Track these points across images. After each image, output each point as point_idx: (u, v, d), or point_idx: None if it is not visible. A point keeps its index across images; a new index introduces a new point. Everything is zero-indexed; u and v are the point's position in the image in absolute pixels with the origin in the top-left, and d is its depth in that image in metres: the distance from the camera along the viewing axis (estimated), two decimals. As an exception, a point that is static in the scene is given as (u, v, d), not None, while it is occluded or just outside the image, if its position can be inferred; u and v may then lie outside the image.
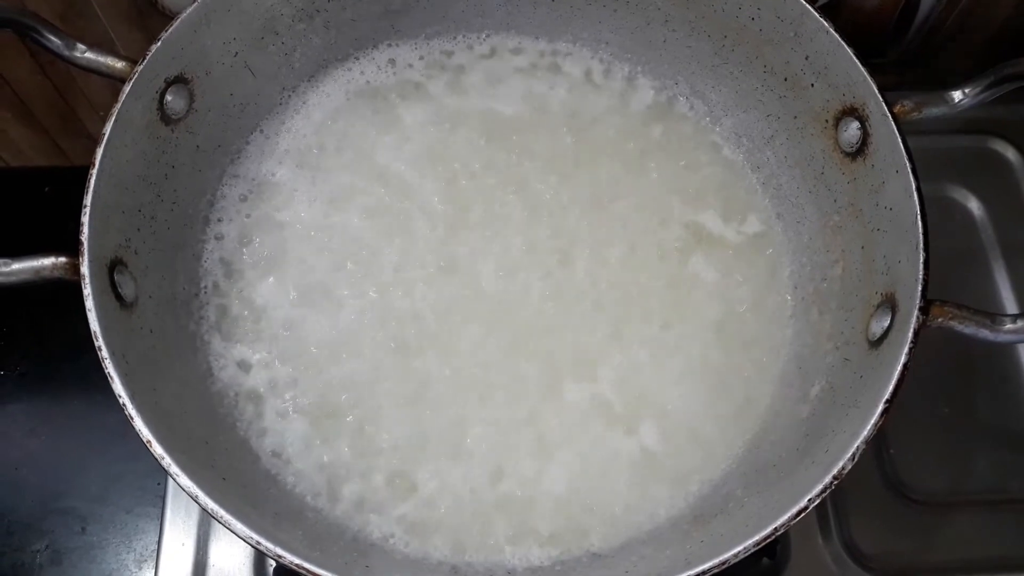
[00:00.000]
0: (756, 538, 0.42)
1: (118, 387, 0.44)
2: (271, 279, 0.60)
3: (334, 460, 0.55)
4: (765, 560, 0.63)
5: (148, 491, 0.68)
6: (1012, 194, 0.77)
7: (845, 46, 0.54)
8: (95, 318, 0.45)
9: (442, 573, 0.52)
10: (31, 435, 0.72)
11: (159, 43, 0.52)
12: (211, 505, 0.42)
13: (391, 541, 0.53)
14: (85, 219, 0.47)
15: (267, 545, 0.42)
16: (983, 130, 0.79)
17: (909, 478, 0.67)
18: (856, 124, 0.55)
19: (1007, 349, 0.72)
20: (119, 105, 0.50)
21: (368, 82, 0.66)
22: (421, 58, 0.67)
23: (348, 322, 0.59)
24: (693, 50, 0.64)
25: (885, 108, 0.52)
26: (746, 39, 0.60)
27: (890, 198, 0.52)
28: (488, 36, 0.68)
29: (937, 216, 0.74)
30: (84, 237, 0.47)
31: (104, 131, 0.49)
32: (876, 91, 0.52)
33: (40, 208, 0.81)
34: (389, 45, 0.67)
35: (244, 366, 0.57)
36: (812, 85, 0.57)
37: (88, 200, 0.48)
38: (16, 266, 0.47)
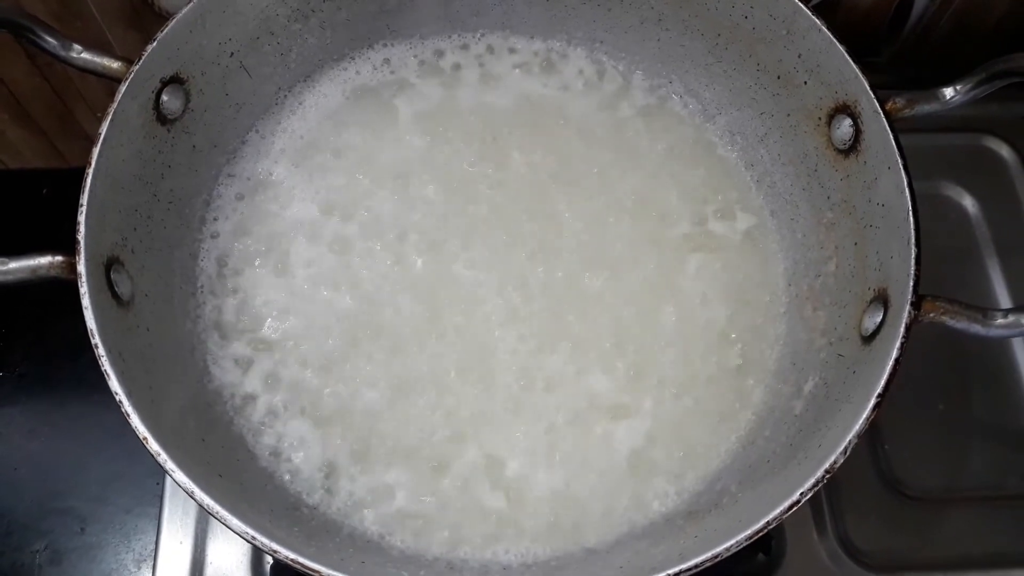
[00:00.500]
0: (748, 532, 0.43)
1: (114, 384, 0.44)
2: (267, 278, 0.60)
3: (330, 457, 0.56)
4: (760, 556, 0.63)
5: (147, 491, 0.69)
6: (1006, 191, 0.77)
7: (837, 44, 0.54)
8: (91, 316, 0.46)
9: (438, 569, 0.52)
10: (30, 436, 0.72)
11: (155, 43, 0.53)
12: (207, 501, 0.43)
13: (387, 538, 0.53)
14: (81, 218, 0.48)
15: (262, 540, 0.42)
16: (977, 128, 0.79)
17: (904, 474, 0.67)
18: (848, 121, 0.55)
19: (1002, 346, 0.72)
20: (115, 105, 0.50)
21: (364, 82, 0.66)
22: (416, 57, 0.67)
23: (345, 320, 0.59)
24: (687, 49, 0.64)
25: (877, 105, 0.52)
26: (739, 37, 0.60)
27: (882, 194, 0.52)
28: (483, 35, 0.68)
29: (931, 214, 0.76)
30: (80, 236, 0.47)
31: (100, 131, 0.50)
32: (868, 88, 0.53)
33: (38, 209, 0.81)
34: (384, 45, 0.67)
35: (240, 364, 0.58)
36: (805, 83, 0.58)
37: (84, 199, 0.48)
38: (13, 265, 0.47)
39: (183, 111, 0.56)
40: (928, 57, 0.81)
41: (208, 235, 0.61)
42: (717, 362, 0.59)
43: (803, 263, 0.61)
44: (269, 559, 0.63)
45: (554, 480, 0.55)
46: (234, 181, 0.62)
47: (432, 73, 0.67)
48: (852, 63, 0.53)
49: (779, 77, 0.59)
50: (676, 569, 0.42)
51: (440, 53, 0.67)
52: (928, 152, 0.77)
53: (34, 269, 0.47)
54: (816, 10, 0.55)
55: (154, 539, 0.64)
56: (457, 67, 0.67)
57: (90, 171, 0.49)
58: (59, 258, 0.47)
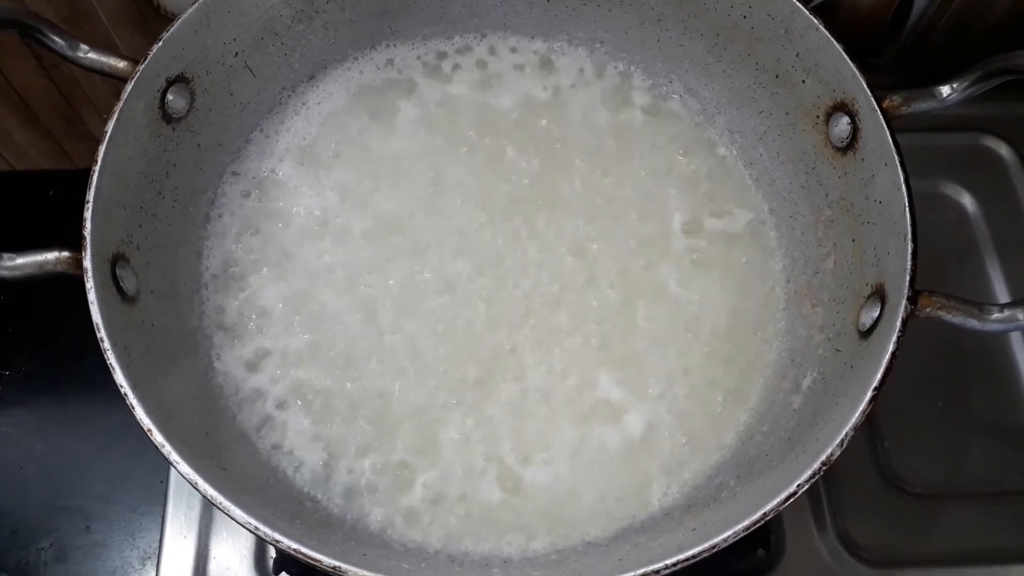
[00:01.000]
0: (746, 523, 0.43)
1: (119, 377, 0.45)
2: (271, 275, 0.61)
3: (333, 452, 0.56)
4: (760, 552, 0.63)
5: (152, 490, 0.69)
6: (1005, 190, 0.78)
7: (834, 42, 0.54)
8: (97, 311, 0.46)
9: (439, 562, 0.52)
10: (36, 435, 0.72)
11: (160, 43, 0.53)
12: (210, 492, 0.43)
13: (388, 531, 0.54)
14: (87, 214, 0.48)
15: (265, 531, 0.43)
16: (976, 127, 0.79)
17: (904, 471, 0.67)
18: (846, 119, 0.55)
19: (1001, 343, 0.72)
20: (121, 103, 0.51)
21: (367, 82, 0.67)
22: (418, 58, 0.68)
23: (349, 317, 0.60)
24: (686, 48, 0.65)
25: (874, 103, 0.52)
26: (738, 37, 0.61)
27: (880, 191, 0.53)
28: (485, 36, 0.69)
29: (931, 212, 0.76)
30: (87, 232, 0.48)
31: (106, 129, 0.50)
32: (865, 86, 0.53)
33: (44, 210, 0.82)
34: (387, 45, 0.68)
35: (244, 361, 0.58)
36: (803, 81, 0.58)
37: (90, 196, 0.49)
38: (20, 260, 0.48)
39: (188, 110, 0.57)
40: (929, 57, 0.82)
41: (212, 233, 0.61)
42: (716, 358, 0.60)
43: (801, 260, 0.61)
44: (271, 555, 0.64)
45: (554, 474, 0.56)
46: (239, 180, 0.63)
47: (434, 73, 0.68)
48: (849, 61, 0.54)
49: (778, 76, 0.60)
50: (674, 559, 0.42)
51: (442, 54, 0.68)
52: (927, 151, 0.77)
53: (41, 264, 0.48)
54: (816, 11, 0.55)
55: (158, 537, 0.64)
56: (459, 67, 0.68)
57: (96, 168, 0.49)
58: (65, 254, 0.48)
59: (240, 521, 0.43)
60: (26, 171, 0.93)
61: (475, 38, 0.68)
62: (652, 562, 0.43)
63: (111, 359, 0.45)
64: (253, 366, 0.58)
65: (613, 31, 0.67)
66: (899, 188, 0.50)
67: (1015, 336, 0.72)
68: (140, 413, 0.44)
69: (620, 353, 0.59)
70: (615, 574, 0.42)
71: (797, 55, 0.57)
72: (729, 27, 0.61)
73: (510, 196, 0.64)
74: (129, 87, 0.52)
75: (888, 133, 0.51)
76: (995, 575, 0.64)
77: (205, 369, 0.57)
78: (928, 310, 0.48)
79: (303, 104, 0.66)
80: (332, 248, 0.62)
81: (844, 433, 0.45)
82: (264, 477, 0.54)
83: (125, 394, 0.45)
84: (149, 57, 0.53)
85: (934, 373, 0.70)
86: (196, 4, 0.55)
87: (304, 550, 0.42)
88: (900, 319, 0.47)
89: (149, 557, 0.68)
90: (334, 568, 0.42)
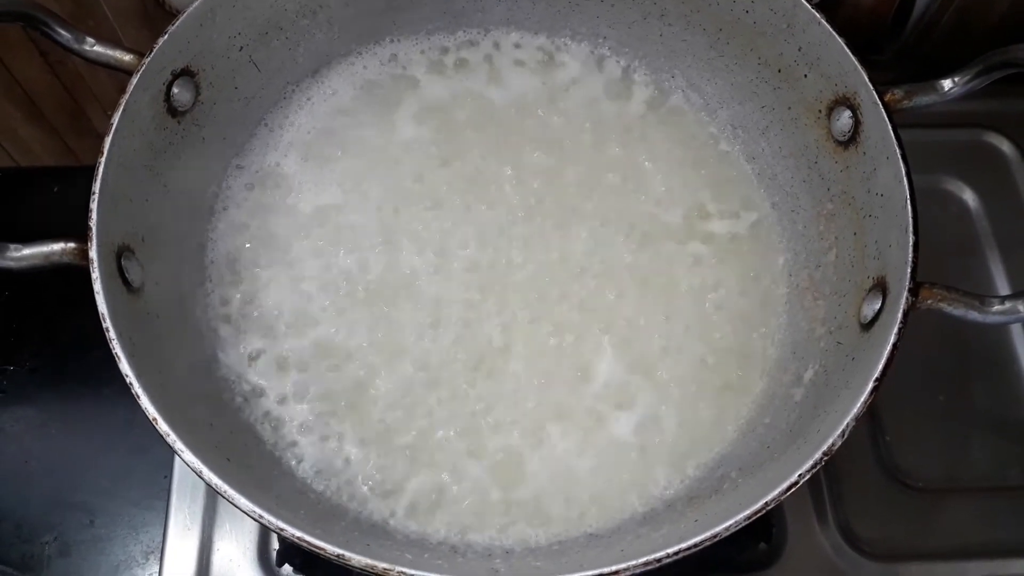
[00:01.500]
0: (747, 512, 0.43)
1: (125, 367, 0.45)
2: (275, 268, 0.61)
3: (336, 443, 0.56)
4: (762, 545, 0.64)
5: (155, 484, 0.69)
6: (1006, 186, 0.78)
7: (836, 37, 0.55)
8: (103, 301, 0.46)
9: (442, 553, 0.53)
10: (40, 430, 0.73)
11: (166, 36, 0.53)
12: (215, 480, 0.43)
13: (391, 522, 0.54)
14: (94, 205, 0.48)
15: (270, 519, 0.43)
16: (978, 123, 0.80)
17: (905, 465, 0.67)
18: (848, 113, 0.56)
19: (1003, 337, 0.72)
20: (127, 96, 0.51)
21: (371, 77, 0.67)
22: (422, 53, 0.68)
23: (353, 310, 0.60)
24: (689, 43, 0.65)
25: (876, 97, 0.53)
26: (740, 32, 0.61)
27: (881, 184, 0.53)
28: (488, 31, 0.69)
29: (933, 208, 0.76)
30: (92, 223, 0.48)
31: (112, 121, 0.50)
32: (867, 80, 0.53)
33: (49, 206, 0.82)
34: (391, 40, 0.68)
35: (248, 352, 0.58)
36: (805, 76, 0.58)
37: (96, 187, 0.49)
38: (27, 251, 0.48)
39: (193, 103, 0.57)
40: (931, 53, 0.82)
41: (217, 226, 0.61)
42: (718, 351, 0.60)
43: (804, 253, 0.61)
44: (275, 548, 0.64)
45: (556, 465, 0.56)
46: (243, 173, 0.63)
47: (438, 68, 0.68)
48: (851, 56, 0.54)
49: (780, 71, 0.60)
50: (675, 548, 0.42)
51: (446, 49, 0.68)
52: (929, 147, 0.77)
53: (47, 255, 0.48)
54: (818, 7, 0.56)
55: (161, 531, 0.65)
56: (463, 62, 0.68)
57: (102, 160, 0.49)
58: (72, 245, 0.48)
59: (245, 510, 0.43)
60: (31, 167, 0.94)
61: (479, 33, 0.69)
62: (653, 551, 0.43)
63: (116, 349, 0.45)
64: (257, 358, 0.58)
65: (616, 26, 0.67)
66: (900, 181, 0.50)
67: (1016, 330, 0.72)
68: (145, 402, 0.44)
69: (622, 346, 0.60)
70: (617, 564, 0.42)
71: (799, 49, 0.58)
72: (731, 22, 0.61)
73: (513, 192, 0.64)
74: (135, 80, 0.52)
75: (890, 127, 0.52)
76: (996, 569, 0.64)
77: (209, 361, 0.57)
78: (929, 302, 0.48)
79: (307, 98, 0.66)
80: (336, 241, 0.62)
81: (845, 424, 0.45)
82: (268, 468, 0.54)
83: (130, 383, 0.45)
84: (155, 50, 0.53)
85: (935, 368, 0.71)
86: (201, -2, 0.55)
87: (308, 538, 0.42)
88: (901, 311, 0.47)
89: (152, 551, 0.68)
90: (338, 556, 0.42)
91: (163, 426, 0.44)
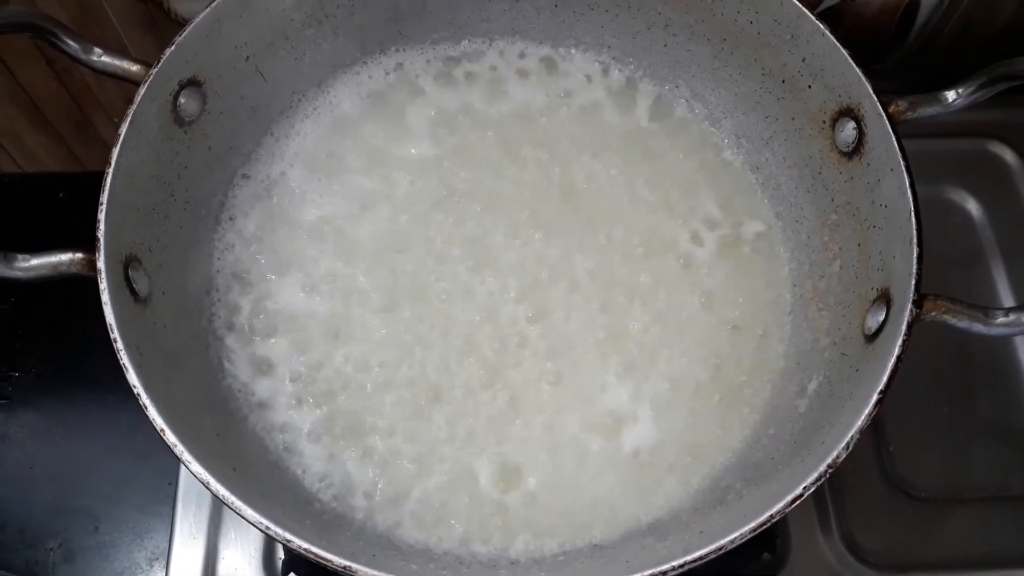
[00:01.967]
0: (752, 525, 0.43)
1: (132, 377, 0.45)
2: (282, 277, 0.61)
3: (342, 454, 0.56)
4: (766, 555, 0.64)
5: (160, 491, 0.69)
6: (1010, 195, 0.78)
7: (840, 48, 0.55)
8: (111, 311, 0.47)
9: (447, 563, 0.53)
10: (45, 436, 0.73)
11: (173, 47, 0.54)
12: (222, 491, 0.43)
13: (397, 532, 0.54)
14: (101, 216, 0.48)
15: (276, 530, 0.43)
16: (981, 132, 0.79)
17: (909, 475, 0.67)
18: (852, 124, 0.56)
19: (1007, 348, 0.72)
20: (134, 107, 0.51)
21: (376, 87, 0.67)
22: (428, 62, 0.68)
23: (359, 320, 0.60)
24: (693, 53, 0.65)
25: (880, 108, 0.53)
26: (744, 42, 0.61)
27: (885, 195, 0.53)
28: (493, 41, 0.69)
29: (936, 218, 0.76)
30: (100, 233, 0.48)
31: (120, 131, 0.51)
32: (871, 92, 0.53)
33: (55, 213, 0.82)
34: (396, 50, 0.68)
35: (255, 362, 0.59)
36: (809, 87, 0.58)
37: (104, 198, 0.49)
38: (35, 261, 0.48)
39: (200, 113, 0.58)
40: (934, 63, 0.82)
41: (223, 235, 0.62)
42: (723, 362, 0.60)
43: (808, 264, 0.61)
44: (280, 557, 0.64)
45: (561, 476, 0.56)
46: (249, 183, 0.63)
47: (443, 78, 0.68)
48: (855, 67, 0.54)
49: (784, 81, 0.60)
50: (680, 561, 0.42)
51: (451, 58, 0.69)
52: (933, 156, 0.77)
53: (55, 266, 0.48)
54: (822, 17, 0.56)
55: (166, 538, 0.65)
56: (468, 72, 0.68)
57: (110, 171, 0.50)
58: (79, 255, 0.48)
59: (252, 521, 0.43)
60: (36, 173, 0.94)
61: (484, 43, 0.69)
62: (659, 564, 0.43)
63: (124, 359, 0.46)
64: (263, 367, 0.58)
65: (620, 36, 0.67)
66: (904, 193, 0.50)
67: (1021, 340, 0.72)
68: (153, 413, 0.45)
69: (627, 356, 0.60)
70: (622, 575, 0.42)
71: (803, 60, 0.58)
72: (736, 32, 0.61)
73: (517, 201, 0.64)
74: (142, 90, 0.52)
75: (894, 138, 0.52)
76: (999, 579, 0.64)
77: (216, 370, 0.57)
78: (933, 314, 0.48)
79: (313, 108, 0.66)
80: (342, 251, 0.62)
81: (850, 436, 0.45)
82: (274, 478, 0.54)
83: (138, 394, 0.45)
84: (162, 61, 0.53)
85: (939, 377, 0.70)
86: (208, 8, 0.55)
87: (315, 550, 0.42)
88: (905, 323, 0.47)
89: (157, 558, 0.69)
90: (344, 568, 0.42)
91: (171, 437, 0.44)
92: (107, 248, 0.48)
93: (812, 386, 0.55)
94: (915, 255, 0.49)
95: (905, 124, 0.53)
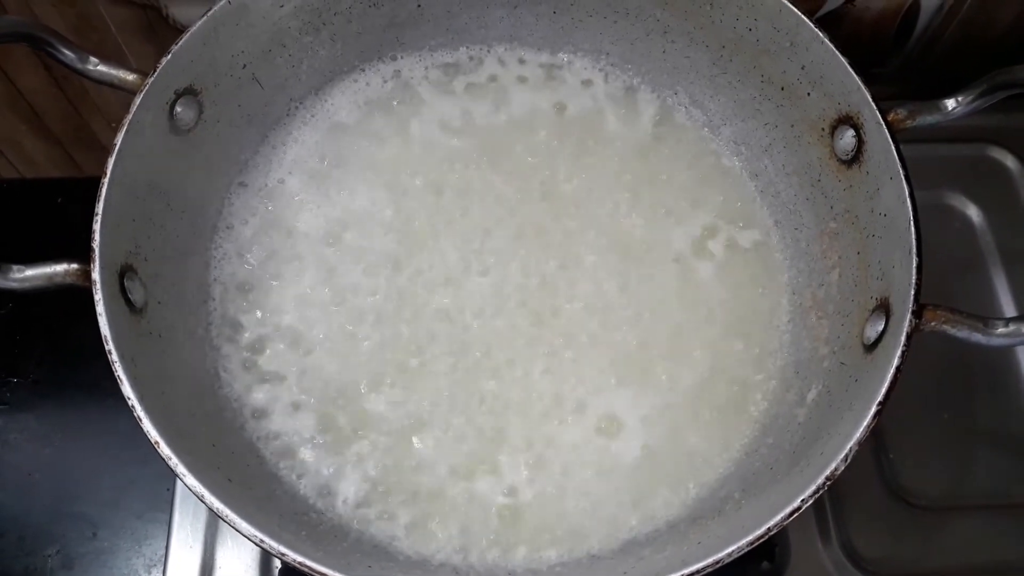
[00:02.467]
0: (750, 538, 0.43)
1: (127, 389, 0.45)
2: (279, 286, 0.61)
3: (339, 463, 0.56)
4: (765, 564, 0.63)
5: (158, 497, 0.69)
6: (1011, 201, 0.78)
7: (839, 56, 0.54)
8: (105, 323, 0.47)
9: (443, 574, 0.53)
10: (44, 441, 0.73)
11: (169, 55, 0.53)
12: (217, 505, 0.43)
13: (394, 543, 0.54)
14: (96, 226, 0.48)
15: (271, 543, 0.43)
16: (982, 138, 0.79)
17: (909, 483, 0.67)
18: (851, 132, 0.56)
19: (1007, 355, 0.72)
20: (130, 116, 0.51)
21: (374, 94, 0.67)
22: (426, 69, 0.68)
23: (356, 329, 0.60)
24: (692, 60, 0.65)
25: (879, 116, 0.53)
26: (743, 49, 0.61)
27: (885, 204, 0.53)
28: (491, 48, 0.69)
29: (936, 224, 0.76)
30: (95, 244, 0.48)
31: (115, 141, 0.51)
32: (870, 100, 0.53)
33: (54, 219, 0.82)
34: (394, 57, 0.68)
35: (252, 371, 0.58)
36: (808, 94, 0.58)
37: (99, 208, 0.49)
38: (30, 272, 0.48)
39: (197, 122, 0.57)
40: (934, 69, 0.82)
41: (220, 243, 0.61)
42: (722, 371, 0.60)
43: (807, 272, 0.61)
44: (278, 564, 0.64)
45: (559, 487, 0.56)
46: (246, 191, 0.63)
47: (441, 85, 0.68)
48: (855, 75, 0.54)
49: (783, 88, 0.60)
50: (678, 574, 0.42)
51: (449, 65, 0.68)
52: (933, 162, 0.77)
53: (50, 277, 0.48)
54: (821, 22, 0.56)
55: (164, 545, 0.65)
56: (465, 79, 0.68)
57: (105, 180, 0.50)
58: (74, 266, 0.48)
59: (246, 534, 0.43)
60: (35, 179, 0.94)
61: (482, 50, 0.69)
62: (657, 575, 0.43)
63: (119, 371, 0.45)
64: (260, 376, 0.58)
65: (619, 43, 0.67)
66: (904, 202, 0.50)
67: (1021, 348, 0.72)
68: (147, 425, 0.45)
69: (625, 365, 0.59)
70: (620, 587, 0.42)
71: (802, 68, 0.58)
72: (735, 39, 0.61)
73: (515, 208, 0.64)
74: (138, 99, 0.52)
75: (893, 147, 0.52)
76: (1000, 588, 0.64)
77: (212, 380, 0.57)
78: (933, 324, 0.48)
79: (311, 115, 0.66)
80: (339, 259, 0.62)
81: (848, 448, 0.45)
82: (270, 487, 0.54)
83: (133, 406, 0.45)
84: (158, 70, 0.53)
85: (939, 385, 0.70)
86: (205, 16, 0.55)
87: (309, 563, 0.42)
88: (905, 333, 0.47)
89: (155, 564, 0.68)
90: (340, 580, 0.42)
91: (165, 450, 0.44)
92: (102, 258, 0.48)
93: (811, 395, 0.55)
94: (914, 265, 0.49)
95: (904, 132, 0.53)
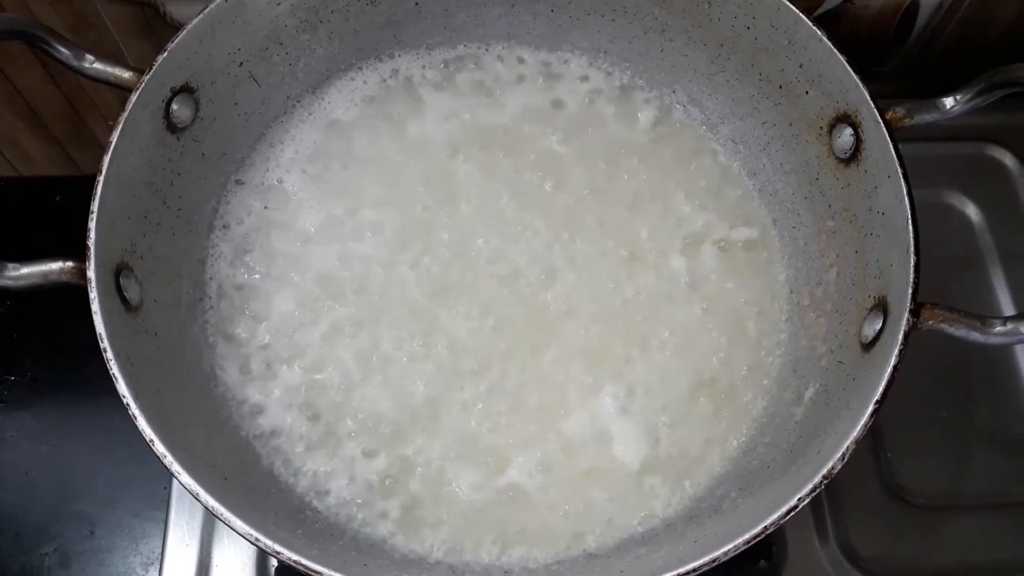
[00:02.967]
0: (746, 536, 0.43)
1: (122, 387, 0.45)
2: (275, 284, 0.61)
3: (334, 462, 0.56)
4: (762, 563, 0.63)
5: (155, 495, 0.69)
6: (1009, 200, 0.78)
7: (838, 54, 0.54)
8: (101, 321, 0.46)
9: (439, 573, 0.52)
10: (41, 439, 0.73)
11: (165, 53, 0.53)
12: (212, 503, 0.43)
13: (389, 541, 0.54)
14: (92, 224, 0.48)
15: (266, 542, 0.43)
16: (980, 136, 0.79)
17: (907, 482, 0.67)
18: (849, 131, 0.56)
19: (1006, 354, 0.72)
20: (126, 114, 0.51)
21: (371, 92, 0.67)
22: (423, 67, 0.68)
23: (353, 329, 0.60)
24: (690, 58, 0.65)
25: (877, 115, 0.53)
26: (741, 47, 0.61)
27: (882, 203, 0.53)
28: (489, 46, 0.69)
29: (935, 222, 0.76)
30: (91, 242, 0.48)
31: (111, 139, 0.50)
32: (868, 98, 0.53)
33: (51, 216, 0.82)
34: (391, 55, 0.68)
35: (247, 370, 0.58)
36: (806, 92, 0.58)
37: (95, 206, 0.49)
38: (25, 270, 0.48)
39: (193, 120, 0.57)
40: (933, 67, 0.82)
41: (217, 242, 0.61)
42: (719, 368, 0.60)
43: (805, 271, 0.61)
44: (274, 562, 0.64)
45: (555, 485, 0.56)
46: (243, 189, 0.63)
47: (438, 83, 0.68)
48: (853, 73, 0.54)
49: (781, 87, 0.60)
50: (674, 573, 0.42)
51: (446, 63, 0.68)
52: (931, 161, 0.77)
53: (45, 274, 0.48)
54: (820, 20, 0.55)
55: (161, 543, 0.65)
56: (463, 77, 0.68)
57: (101, 178, 0.49)
58: (70, 264, 0.48)
59: (241, 532, 0.43)
60: (33, 177, 0.94)
61: (479, 48, 0.69)
62: (653, 574, 0.43)
63: (114, 369, 0.45)
64: (256, 375, 0.58)
65: (617, 41, 0.67)
66: (902, 200, 0.50)
67: (1020, 348, 0.72)
68: (142, 424, 0.44)
69: (621, 364, 0.59)
70: (616, 586, 0.42)
71: (800, 66, 0.58)
72: (733, 38, 0.61)
73: (514, 206, 0.64)
74: (134, 97, 0.52)
75: (891, 145, 0.51)
76: (998, 586, 0.64)
77: (208, 378, 0.57)
78: (931, 323, 0.48)
79: (308, 113, 0.66)
80: (336, 258, 0.62)
81: (845, 447, 0.45)
82: (266, 486, 0.54)
83: (128, 404, 0.45)
84: (154, 68, 0.53)
85: (937, 383, 0.70)
86: (201, 14, 0.55)
87: (305, 562, 0.42)
88: (902, 332, 0.47)
89: (152, 562, 0.68)
90: (335, 579, 0.42)
91: (160, 448, 0.44)
92: (97, 257, 0.48)
93: (809, 394, 0.55)
94: (912, 263, 0.49)
95: (903, 130, 0.53)
